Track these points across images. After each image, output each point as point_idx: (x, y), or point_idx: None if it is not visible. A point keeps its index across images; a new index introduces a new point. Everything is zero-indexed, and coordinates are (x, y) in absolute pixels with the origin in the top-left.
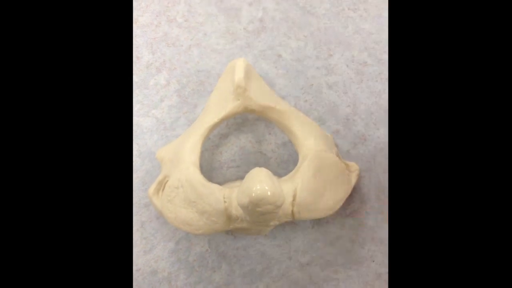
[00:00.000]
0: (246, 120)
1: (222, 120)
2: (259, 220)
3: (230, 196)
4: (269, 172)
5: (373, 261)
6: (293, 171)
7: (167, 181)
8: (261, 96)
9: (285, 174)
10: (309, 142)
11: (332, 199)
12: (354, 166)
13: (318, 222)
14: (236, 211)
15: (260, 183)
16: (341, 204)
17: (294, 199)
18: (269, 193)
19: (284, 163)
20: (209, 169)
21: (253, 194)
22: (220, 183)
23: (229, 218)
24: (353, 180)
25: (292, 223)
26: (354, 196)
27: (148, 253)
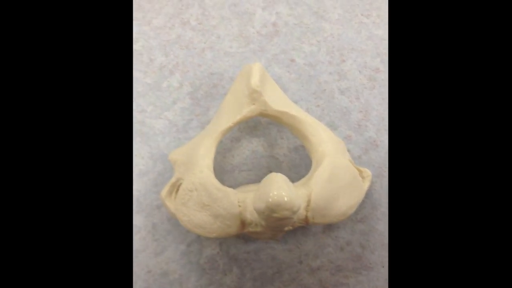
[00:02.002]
0: (259, 124)
1: (236, 124)
2: (274, 225)
3: (244, 201)
4: (286, 178)
5: (383, 267)
6: (307, 176)
7: (180, 183)
8: (275, 101)
9: (297, 178)
10: (323, 147)
11: (345, 204)
12: (366, 172)
13: (329, 227)
14: (251, 215)
15: (277, 189)
16: (354, 209)
17: (308, 205)
18: (286, 198)
19: (295, 167)
20: (221, 172)
21: (270, 200)
22: (231, 187)
23: (243, 222)
24: (366, 185)
25: (304, 228)
26: (365, 202)
27: (160, 255)
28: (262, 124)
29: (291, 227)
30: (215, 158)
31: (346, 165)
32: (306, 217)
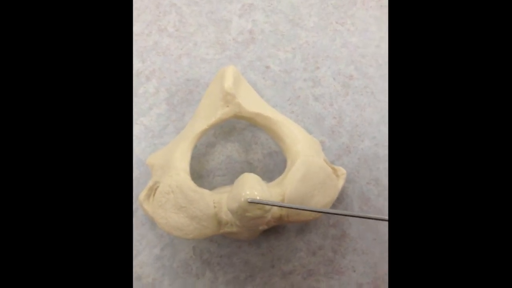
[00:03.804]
0: (233, 130)
1: (211, 127)
2: (248, 225)
3: (220, 201)
4: (258, 177)
5: (354, 271)
6: (282, 176)
7: (158, 187)
8: (250, 103)
9: None
10: (297, 147)
11: (320, 202)
12: (341, 170)
13: (301, 232)
14: (226, 216)
15: (249, 188)
16: (329, 207)
17: None
18: (258, 198)
19: (269, 172)
20: (196, 177)
21: (243, 199)
22: None
23: (219, 222)
24: (340, 183)
25: (277, 232)
26: (338, 207)
27: (133, 258)
28: (237, 130)
29: (266, 226)
30: (190, 163)
31: (320, 164)
32: (281, 215)
